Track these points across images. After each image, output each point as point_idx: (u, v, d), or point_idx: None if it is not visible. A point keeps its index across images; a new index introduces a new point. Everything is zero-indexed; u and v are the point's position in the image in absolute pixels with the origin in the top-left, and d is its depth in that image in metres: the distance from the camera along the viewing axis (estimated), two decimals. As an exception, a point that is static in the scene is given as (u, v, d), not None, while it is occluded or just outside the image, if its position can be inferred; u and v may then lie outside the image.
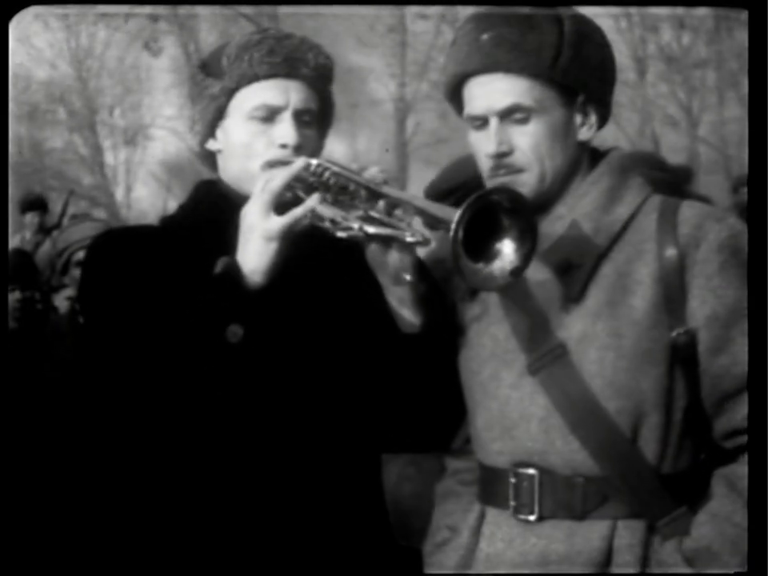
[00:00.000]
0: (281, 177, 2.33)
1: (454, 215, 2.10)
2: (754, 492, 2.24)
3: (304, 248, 2.37)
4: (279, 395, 2.40)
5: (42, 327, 5.20)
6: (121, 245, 2.49)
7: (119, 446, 2.48)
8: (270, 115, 2.47)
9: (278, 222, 2.30)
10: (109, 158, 19.53)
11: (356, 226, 2.30)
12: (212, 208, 2.54)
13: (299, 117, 2.48)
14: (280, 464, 2.40)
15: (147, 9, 16.78)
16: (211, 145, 2.56)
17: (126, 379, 2.34)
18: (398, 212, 2.34)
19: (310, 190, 2.36)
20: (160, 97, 18.76)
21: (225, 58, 2.48)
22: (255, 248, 2.31)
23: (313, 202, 2.31)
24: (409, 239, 2.29)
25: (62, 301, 5.58)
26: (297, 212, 2.31)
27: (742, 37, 17.09)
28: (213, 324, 2.29)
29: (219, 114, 2.51)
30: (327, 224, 2.33)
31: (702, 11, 17.45)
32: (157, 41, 16.86)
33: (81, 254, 5.04)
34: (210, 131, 2.54)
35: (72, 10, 16.88)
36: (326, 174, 2.39)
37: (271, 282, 2.33)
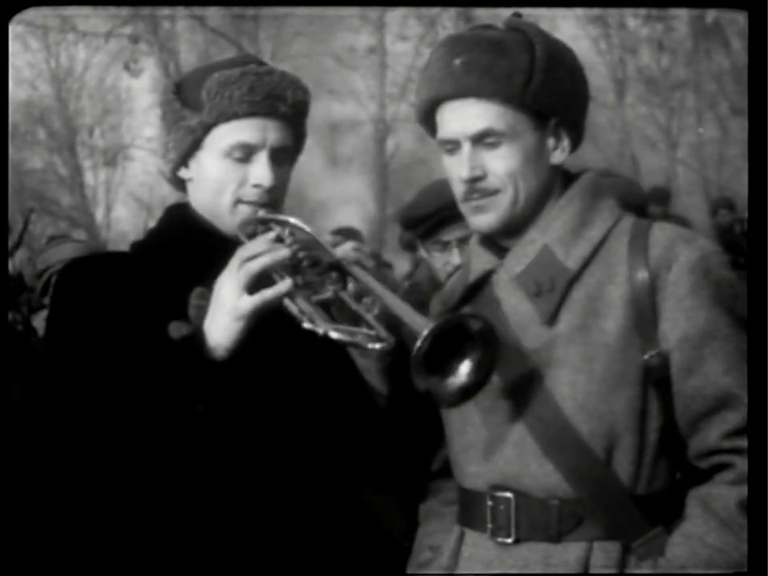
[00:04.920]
0: (260, 261, 2.31)
1: (423, 329, 2.10)
2: (754, 492, 2.24)
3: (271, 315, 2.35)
4: (248, 445, 2.41)
5: (21, 349, 5.17)
6: (88, 275, 2.48)
7: (86, 472, 2.45)
8: (246, 154, 2.47)
9: (249, 302, 2.29)
10: (89, 178, 19.51)
11: (321, 330, 2.24)
12: (182, 233, 2.55)
13: (275, 156, 2.49)
14: (253, 501, 2.40)
15: (128, 29, 16.79)
16: (183, 173, 2.57)
17: (88, 411, 2.34)
18: (366, 300, 2.35)
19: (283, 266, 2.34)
20: (140, 117, 18.75)
21: (204, 92, 2.48)
22: (223, 324, 2.30)
23: (284, 287, 2.30)
24: (370, 346, 2.26)
25: (40, 322, 5.54)
26: (267, 294, 2.30)
27: (720, 59, 17.19)
28: (175, 397, 2.29)
29: (195, 146, 2.51)
30: (295, 311, 2.30)
31: (680, 33, 17.56)
32: (137, 61, 16.83)
33: (61, 276, 5.02)
34: (183, 161, 2.55)
35: (53, 21, 16.88)
36: (297, 248, 2.36)
37: (235, 354, 2.32)
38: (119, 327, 2.38)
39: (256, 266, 2.31)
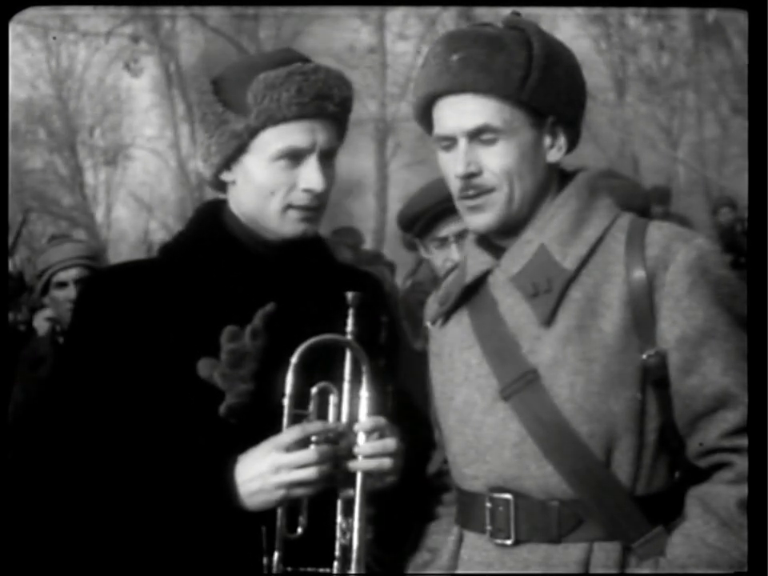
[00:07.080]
0: (303, 477, 2.33)
1: None
2: (754, 491, 2.24)
3: None
4: None
5: (22, 348, 5.17)
6: (113, 293, 2.46)
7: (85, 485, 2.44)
8: (295, 158, 2.43)
9: (281, 495, 2.33)
10: (89, 178, 19.53)
11: None
12: (216, 241, 2.52)
13: (324, 158, 2.45)
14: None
15: (128, 29, 16.81)
16: (225, 176, 2.51)
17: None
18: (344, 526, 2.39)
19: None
20: (140, 117, 18.81)
21: (250, 95, 2.40)
22: (257, 499, 2.34)
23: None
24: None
25: (41, 321, 5.55)
26: (299, 492, 2.34)
27: (720, 58, 17.19)
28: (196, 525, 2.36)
29: (240, 150, 2.45)
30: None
31: (681, 32, 17.57)
32: (137, 61, 16.85)
33: (61, 275, 5.02)
34: (226, 164, 2.48)
35: (53, 21, 16.91)
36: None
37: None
38: (141, 358, 2.39)
39: (297, 478, 2.33)
